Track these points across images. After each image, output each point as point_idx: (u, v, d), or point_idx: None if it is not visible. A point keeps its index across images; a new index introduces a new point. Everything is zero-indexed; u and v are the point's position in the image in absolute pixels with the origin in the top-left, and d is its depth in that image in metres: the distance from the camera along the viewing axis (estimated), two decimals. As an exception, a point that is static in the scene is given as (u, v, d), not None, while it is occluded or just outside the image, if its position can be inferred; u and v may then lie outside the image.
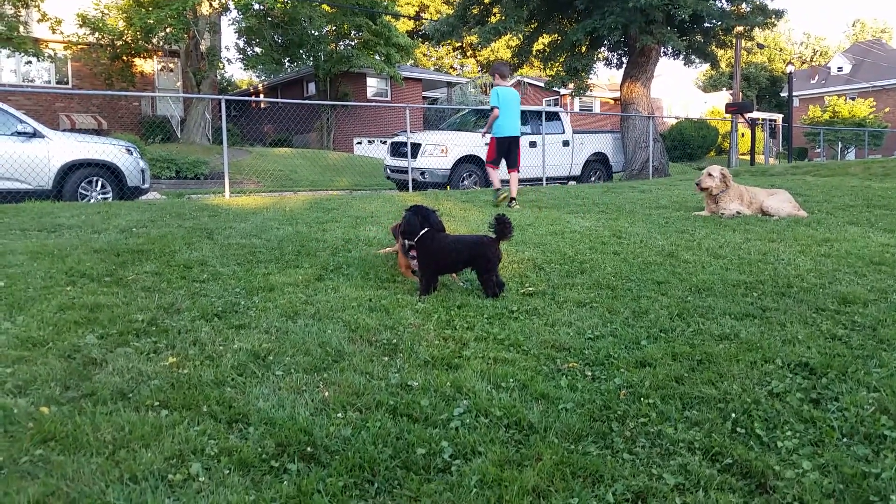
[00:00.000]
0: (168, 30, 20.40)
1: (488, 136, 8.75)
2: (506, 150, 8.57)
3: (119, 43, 21.25)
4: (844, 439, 2.11)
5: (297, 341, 3.05)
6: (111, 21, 20.98)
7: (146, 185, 10.56)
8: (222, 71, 35.23)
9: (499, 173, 8.81)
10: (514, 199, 8.46)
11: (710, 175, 7.32)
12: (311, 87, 30.65)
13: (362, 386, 2.53)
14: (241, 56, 29.32)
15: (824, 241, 5.40)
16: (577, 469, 1.94)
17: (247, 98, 30.79)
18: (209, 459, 2.01)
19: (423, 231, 3.90)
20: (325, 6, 25.85)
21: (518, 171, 8.67)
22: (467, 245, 3.93)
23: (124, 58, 21.97)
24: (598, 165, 15.87)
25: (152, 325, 3.29)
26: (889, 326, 3.17)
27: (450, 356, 2.83)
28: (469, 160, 13.40)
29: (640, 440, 2.13)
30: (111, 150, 9.81)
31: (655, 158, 16.17)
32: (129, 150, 10.10)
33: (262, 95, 34.02)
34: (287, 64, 29.85)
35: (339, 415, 2.32)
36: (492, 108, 8.42)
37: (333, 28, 27.96)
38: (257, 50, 28.33)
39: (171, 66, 25.76)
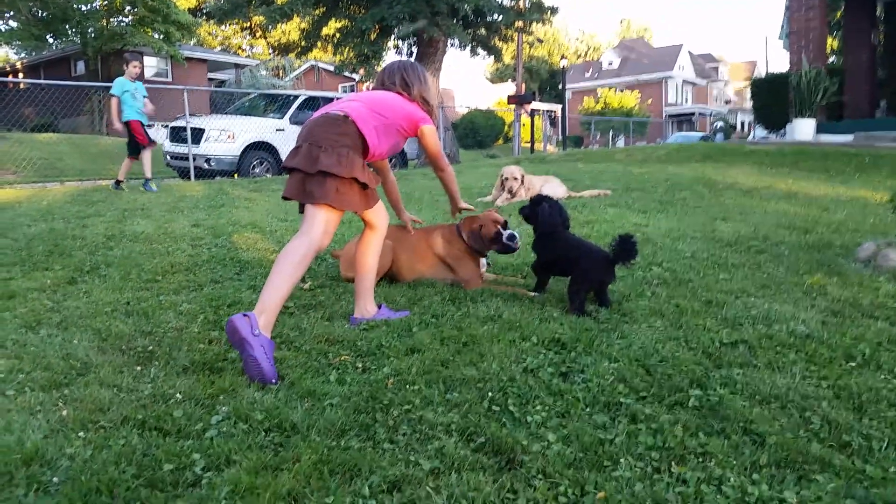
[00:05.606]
0: None
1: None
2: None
3: None
4: (587, 409, 2.28)
5: (37, 355, 2.72)
6: None
7: None
8: (-31, 46, 30.63)
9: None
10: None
11: (514, 178, 7.70)
12: (80, 67, 27.70)
13: (108, 400, 2.30)
14: (-6, 31, 25.72)
15: (586, 222, 5.89)
16: (337, 466, 1.91)
17: (2, 78, 27.09)
18: None
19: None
20: (93, -22, 23.45)
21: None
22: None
23: None
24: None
25: None
26: (632, 300, 3.52)
27: (213, 360, 2.67)
28: (259, 147, 12.92)
29: (402, 428, 2.15)
30: None
31: (447, 146, 16.75)
32: None
33: (21, 75, 30.09)
34: (51, 40, 26.73)
35: (80, 434, 2.09)
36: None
37: (105, 2, 25.47)
38: (13, 24, 24.98)
39: None
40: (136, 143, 8.91)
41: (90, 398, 2.33)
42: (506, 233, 3.84)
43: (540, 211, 3.69)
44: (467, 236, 3.88)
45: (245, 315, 2.54)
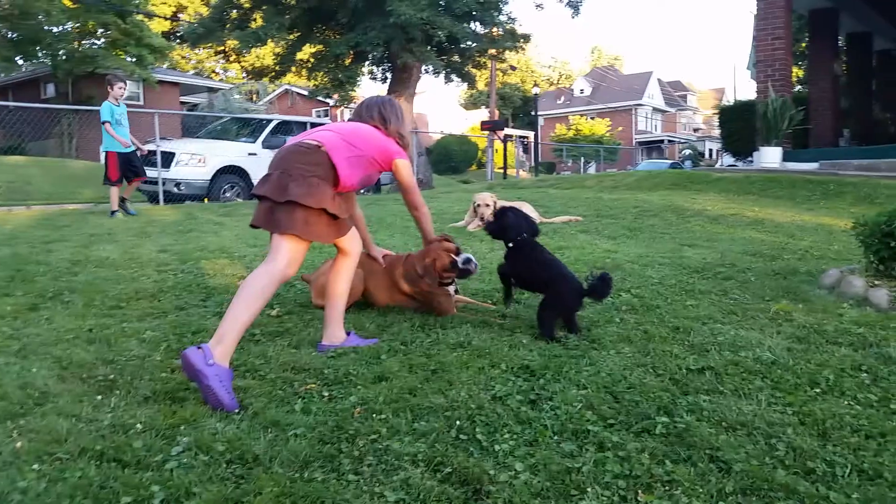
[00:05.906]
0: None
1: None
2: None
3: None
4: (555, 437, 2.26)
5: (-8, 384, 2.63)
6: None
7: None
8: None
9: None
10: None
11: (486, 205, 7.76)
12: (50, 89, 27.40)
13: (66, 431, 2.24)
14: (-39, 52, 25.34)
15: (557, 248, 5.91)
16: (299, 499, 1.87)
17: (-33, 100, 26.68)
18: None
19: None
20: (65, 0, 23.27)
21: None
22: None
23: None
24: (366, 177, 16.07)
25: None
26: (601, 326, 3.53)
27: (175, 389, 2.61)
28: (231, 171, 12.83)
29: (367, 459, 2.12)
30: None
31: (420, 171, 16.79)
32: None
33: (-11, 97, 29.66)
34: (20, 62, 26.46)
35: (34, 467, 2.03)
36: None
37: (77, 25, 25.30)
38: (-19, 46, 24.66)
39: None
40: (107, 174, 8.75)
41: (47, 429, 2.26)
42: (461, 258, 3.80)
43: (505, 221, 3.70)
44: (422, 272, 3.84)
45: (199, 347, 2.54)
